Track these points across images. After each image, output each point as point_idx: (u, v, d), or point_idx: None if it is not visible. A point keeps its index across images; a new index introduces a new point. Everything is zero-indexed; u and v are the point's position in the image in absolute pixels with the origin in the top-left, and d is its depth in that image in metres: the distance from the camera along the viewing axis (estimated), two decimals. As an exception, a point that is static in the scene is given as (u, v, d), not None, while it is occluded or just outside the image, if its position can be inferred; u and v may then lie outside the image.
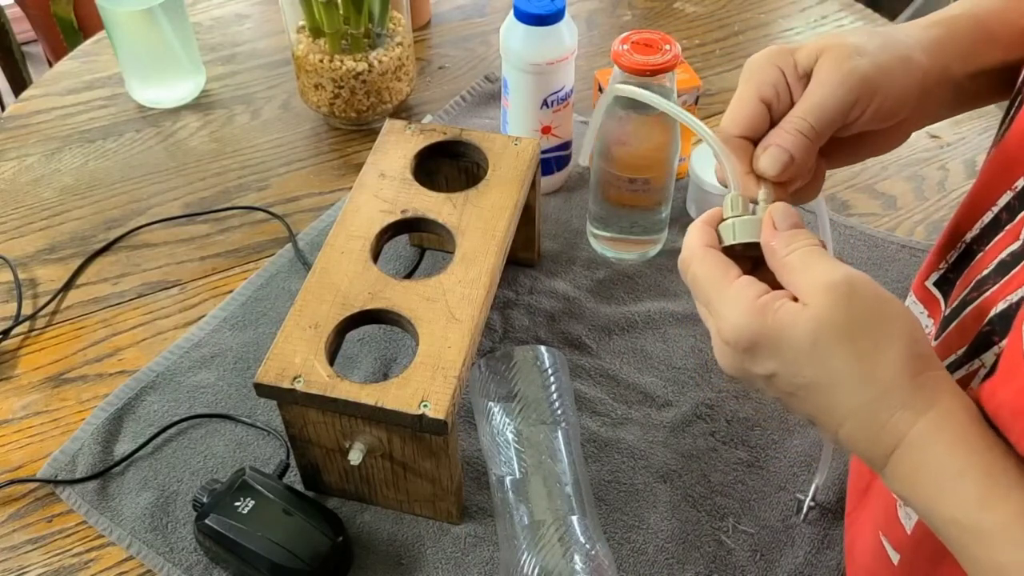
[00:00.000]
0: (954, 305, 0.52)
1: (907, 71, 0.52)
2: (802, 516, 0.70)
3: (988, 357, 0.47)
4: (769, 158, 0.51)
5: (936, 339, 0.53)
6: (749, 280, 0.47)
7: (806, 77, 0.52)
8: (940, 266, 0.57)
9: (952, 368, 0.49)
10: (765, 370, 0.46)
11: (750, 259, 0.50)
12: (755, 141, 0.52)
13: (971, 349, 0.48)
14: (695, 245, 0.50)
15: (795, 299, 0.45)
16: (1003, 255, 0.49)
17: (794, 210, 0.49)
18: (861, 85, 0.50)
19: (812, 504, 0.70)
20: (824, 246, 0.48)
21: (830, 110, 0.50)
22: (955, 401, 0.43)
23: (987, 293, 0.48)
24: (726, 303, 0.46)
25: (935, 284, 0.58)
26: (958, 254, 0.55)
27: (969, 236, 0.54)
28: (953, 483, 0.42)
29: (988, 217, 0.52)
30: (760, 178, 0.52)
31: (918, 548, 0.52)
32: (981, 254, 0.52)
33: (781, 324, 0.44)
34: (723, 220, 0.51)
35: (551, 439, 0.67)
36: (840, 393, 0.44)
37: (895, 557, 0.55)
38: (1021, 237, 0.47)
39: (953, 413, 0.43)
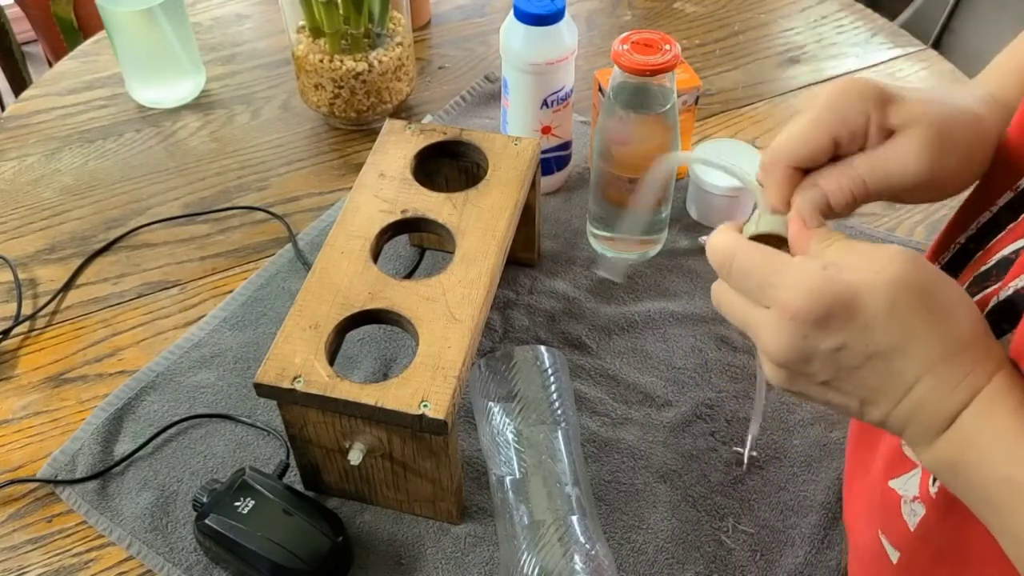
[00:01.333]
0: None
1: (981, 154, 0.51)
2: (744, 467, 0.72)
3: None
4: (809, 201, 0.49)
5: None
6: (807, 257, 0.46)
7: (889, 133, 0.49)
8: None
9: None
10: (834, 342, 0.43)
11: None
12: (805, 170, 0.50)
13: None
14: (734, 239, 0.48)
15: None
16: (1006, 251, 0.48)
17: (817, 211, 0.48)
18: (930, 178, 0.48)
19: (753, 453, 0.72)
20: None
21: (890, 187, 0.49)
22: (1011, 366, 0.44)
23: (989, 289, 0.48)
24: (792, 274, 0.44)
25: None
26: (951, 255, 0.55)
27: (963, 236, 0.54)
28: (1014, 439, 0.41)
29: (986, 217, 0.52)
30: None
31: (922, 544, 0.52)
32: (981, 252, 0.51)
33: (857, 288, 0.43)
34: (752, 216, 0.51)
35: (551, 439, 0.67)
36: (918, 352, 0.43)
37: (894, 555, 0.55)
38: None
39: (1016, 374, 0.43)
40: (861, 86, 0.49)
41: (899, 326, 0.43)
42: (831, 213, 0.49)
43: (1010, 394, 0.42)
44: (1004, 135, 0.52)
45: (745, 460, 0.73)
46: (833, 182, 0.48)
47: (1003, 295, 0.47)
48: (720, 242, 0.48)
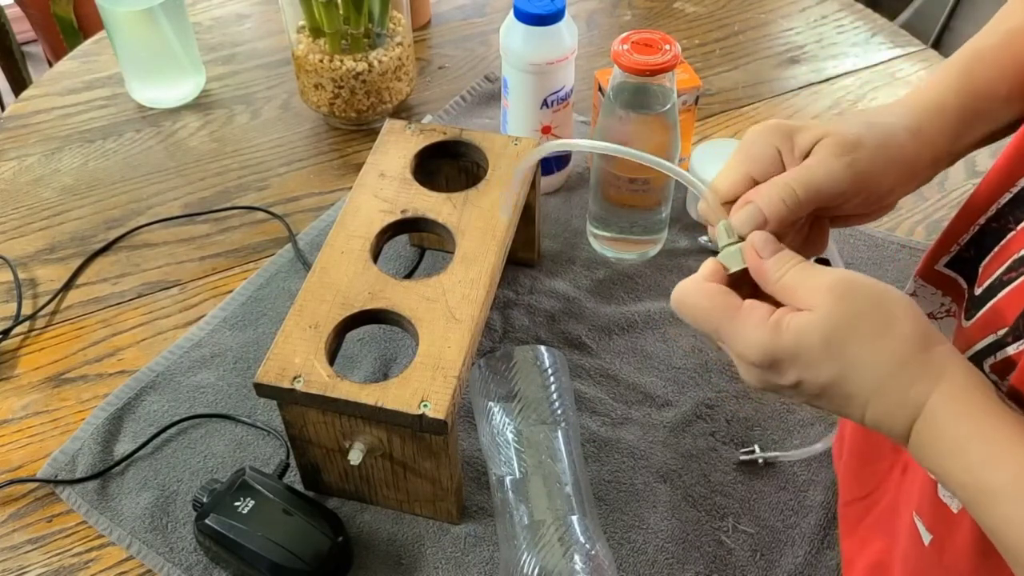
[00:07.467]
0: (988, 284, 0.52)
1: (900, 168, 0.54)
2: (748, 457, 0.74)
3: None
4: (746, 215, 0.52)
5: (968, 319, 0.54)
6: (753, 303, 0.49)
7: (803, 157, 0.53)
8: (952, 248, 0.58)
9: (996, 348, 0.50)
10: (790, 380, 0.48)
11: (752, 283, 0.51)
12: None
13: (1017, 328, 0.49)
14: (693, 278, 0.52)
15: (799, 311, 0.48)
16: None
17: (771, 236, 0.51)
18: (853, 180, 0.52)
19: (761, 459, 0.73)
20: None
21: (818, 192, 0.52)
22: (962, 372, 0.46)
23: None
24: (741, 326, 0.49)
25: (948, 266, 0.59)
26: (971, 236, 0.56)
27: (983, 218, 0.55)
28: (962, 448, 0.45)
29: (1006, 197, 0.53)
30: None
31: (956, 528, 0.52)
32: (1014, 233, 0.52)
33: (794, 336, 0.47)
34: (721, 249, 0.53)
35: (551, 439, 0.67)
36: (859, 378, 0.47)
37: (927, 538, 0.55)
38: None
39: (961, 384, 0.46)
40: (767, 126, 0.54)
41: (837, 359, 0.47)
42: (777, 229, 0.52)
43: (953, 404, 0.45)
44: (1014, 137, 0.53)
45: (758, 459, 0.73)
46: (764, 194, 0.52)
47: None
48: (676, 290, 0.52)
